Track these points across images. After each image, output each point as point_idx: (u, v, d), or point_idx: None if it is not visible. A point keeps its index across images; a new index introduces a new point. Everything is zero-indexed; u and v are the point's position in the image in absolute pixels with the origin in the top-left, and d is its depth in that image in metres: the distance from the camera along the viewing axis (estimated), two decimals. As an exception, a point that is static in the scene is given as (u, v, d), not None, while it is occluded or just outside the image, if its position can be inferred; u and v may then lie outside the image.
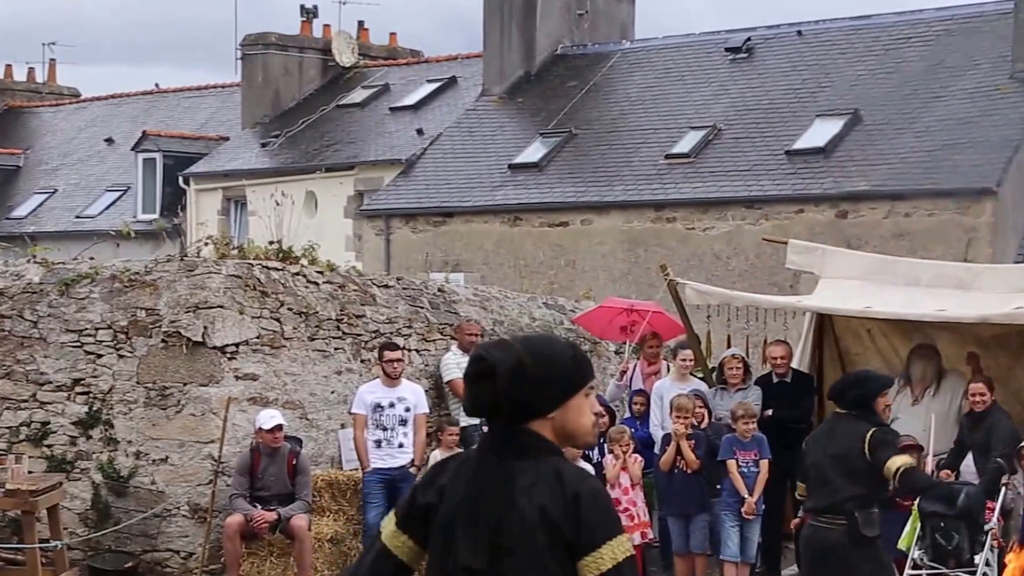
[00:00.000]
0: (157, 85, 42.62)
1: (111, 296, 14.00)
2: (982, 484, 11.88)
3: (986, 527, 11.69)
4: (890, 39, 28.45)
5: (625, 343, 15.68)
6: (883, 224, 24.36)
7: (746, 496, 13.03)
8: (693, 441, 13.11)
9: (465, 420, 14.22)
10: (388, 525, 4.47)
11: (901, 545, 12.28)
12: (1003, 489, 12.02)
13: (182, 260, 14.11)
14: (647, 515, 13.54)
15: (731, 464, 13.08)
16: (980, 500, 11.64)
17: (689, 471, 13.09)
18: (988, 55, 26.57)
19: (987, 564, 11.64)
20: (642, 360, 15.25)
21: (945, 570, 11.90)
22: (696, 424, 13.30)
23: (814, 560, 9.47)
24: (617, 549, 4.17)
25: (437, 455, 13.80)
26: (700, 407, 13.45)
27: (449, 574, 4.28)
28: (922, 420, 13.03)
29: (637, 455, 13.36)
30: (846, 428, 9.39)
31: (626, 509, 13.12)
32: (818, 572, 9.51)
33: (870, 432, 9.27)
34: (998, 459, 12.11)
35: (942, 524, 11.94)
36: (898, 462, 9.37)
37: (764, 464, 13.06)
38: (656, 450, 13.61)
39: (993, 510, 11.86)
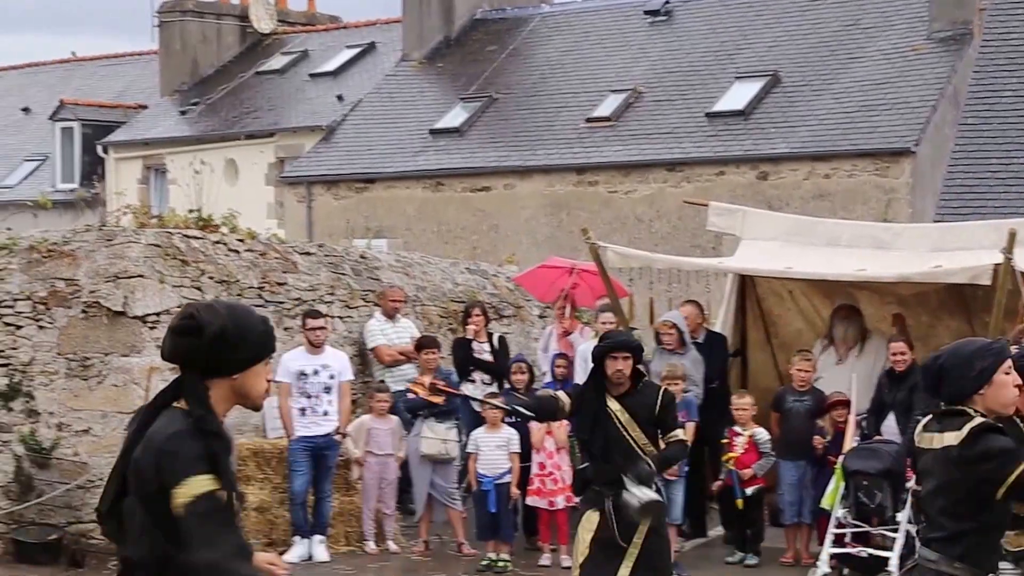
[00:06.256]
0: (74, 53, 42.26)
1: (29, 267, 13.83)
2: (904, 443, 11.95)
3: (908, 485, 11.77)
4: (807, 0, 28.58)
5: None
6: (803, 185, 24.54)
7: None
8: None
9: (396, 386, 14.23)
10: None
11: (824, 504, 12.35)
12: (924, 447, 12.09)
13: (101, 229, 13.95)
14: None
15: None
16: (902, 458, 11.69)
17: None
18: (904, 15, 26.76)
19: (909, 522, 11.73)
20: (556, 323, 15.24)
21: (868, 528, 12.01)
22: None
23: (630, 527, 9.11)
24: (194, 486, 4.45)
25: (366, 421, 13.79)
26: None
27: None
28: (847, 380, 13.10)
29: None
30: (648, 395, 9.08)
31: (550, 473, 13.13)
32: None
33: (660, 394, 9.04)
34: (919, 418, 12.18)
35: (865, 482, 12.03)
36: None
37: (690, 426, 12.91)
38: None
39: (915, 468, 11.94)
